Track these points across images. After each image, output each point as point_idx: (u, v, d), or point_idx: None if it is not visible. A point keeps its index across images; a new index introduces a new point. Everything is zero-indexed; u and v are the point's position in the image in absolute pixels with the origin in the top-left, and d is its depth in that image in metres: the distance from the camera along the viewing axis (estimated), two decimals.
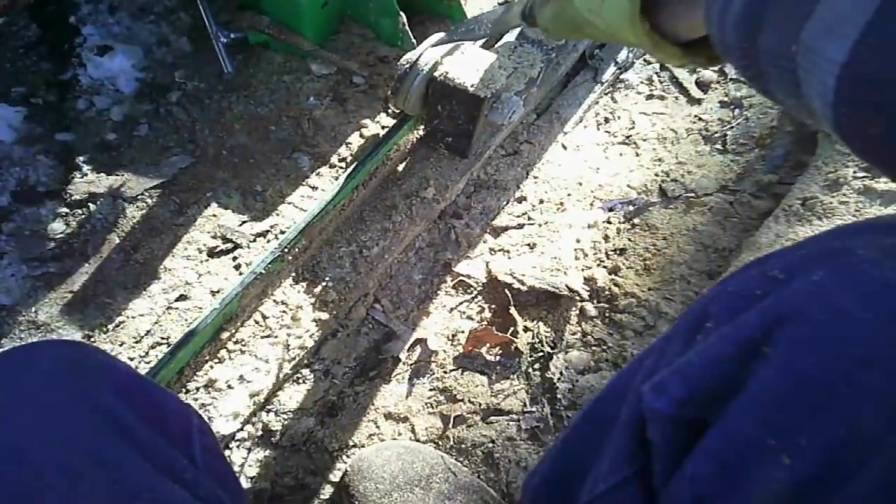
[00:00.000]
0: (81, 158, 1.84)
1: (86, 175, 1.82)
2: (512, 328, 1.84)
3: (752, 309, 0.67)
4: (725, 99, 2.25)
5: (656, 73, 2.31)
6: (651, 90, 2.28)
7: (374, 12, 2.06)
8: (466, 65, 1.74)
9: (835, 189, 1.90)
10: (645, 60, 2.34)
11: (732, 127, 2.21)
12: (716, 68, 2.36)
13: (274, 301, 1.75)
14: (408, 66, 1.73)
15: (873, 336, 0.57)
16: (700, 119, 2.23)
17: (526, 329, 1.85)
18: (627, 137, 2.20)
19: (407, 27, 2.02)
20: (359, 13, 2.11)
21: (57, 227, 1.75)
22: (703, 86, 2.30)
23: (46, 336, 1.62)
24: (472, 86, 1.71)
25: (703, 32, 0.87)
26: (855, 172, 1.88)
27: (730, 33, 0.71)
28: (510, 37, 1.90)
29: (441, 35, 1.79)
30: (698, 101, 2.27)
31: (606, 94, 2.27)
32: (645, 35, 0.93)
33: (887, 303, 0.58)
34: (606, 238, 2.00)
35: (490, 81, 1.73)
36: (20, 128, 1.85)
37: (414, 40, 2.03)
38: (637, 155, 2.16)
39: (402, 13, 2.00)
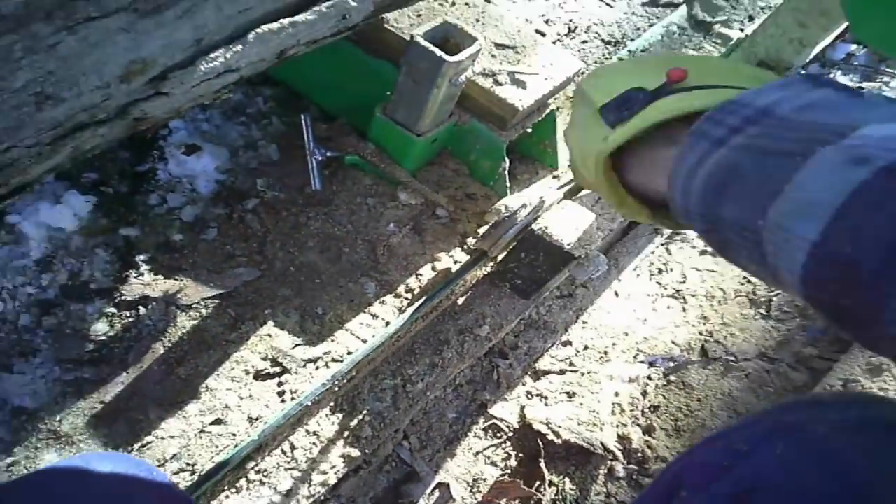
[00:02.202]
0: (142, 257, 1.42)
1: (142, 275, 1.40)
2: (538, 482, 1.43)
3: (722, 479, 0.62)
4: None
5: None
6: (705, 246, 1.85)
7: (478, 152, 1.69)
8: (566, 222, 1.49)
9: (877, 374, 1.60)
10: None
11: (779, 293, 1.84)
12: None
13: (306, 431, 1.35)
14: (507, 214, 1.49)
15: None
16: (749, 281, 1.88)
17: (551, 484, 1.49)
18: (677, 291, 1.80)
19: (507, 172, 1.66)
20: (460, 150, 1.73)
21: (100, 329, 1.34)
22: None
23: (65, 449, 1.21)
24: (568, 244, 1.46)
25: None
26: None
27: (694, 200, 0.64)
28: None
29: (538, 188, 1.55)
30: None
31: (663, 245, 1.83)
32: (608, 186, 0.79)
33: (844, 477, 0.54)
34: (644, 394, 1.63)
35: (586, 241, 1.48)
36: (85, 217, 1.43)
37: (508, 183, 1.68)
38: (684, 310, 1.78)
39: (507, 158, 1.65)
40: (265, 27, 1.10)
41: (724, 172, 0.60)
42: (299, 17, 1.15)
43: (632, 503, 0.82)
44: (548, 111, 1.72)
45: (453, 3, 1.69)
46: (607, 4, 2.28)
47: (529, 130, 1.70)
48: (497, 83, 1.58)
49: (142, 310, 1.37)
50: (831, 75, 2.37)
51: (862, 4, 0.82)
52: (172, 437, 1.27)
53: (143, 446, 1.25)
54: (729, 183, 0.60)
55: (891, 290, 0.48)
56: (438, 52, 1.37)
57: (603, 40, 2.22)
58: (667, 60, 0.80)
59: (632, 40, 2.19)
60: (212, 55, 1.05)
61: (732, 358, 1.71)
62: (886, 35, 0.83)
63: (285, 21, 1.13)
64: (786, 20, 1.56)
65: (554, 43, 2.13)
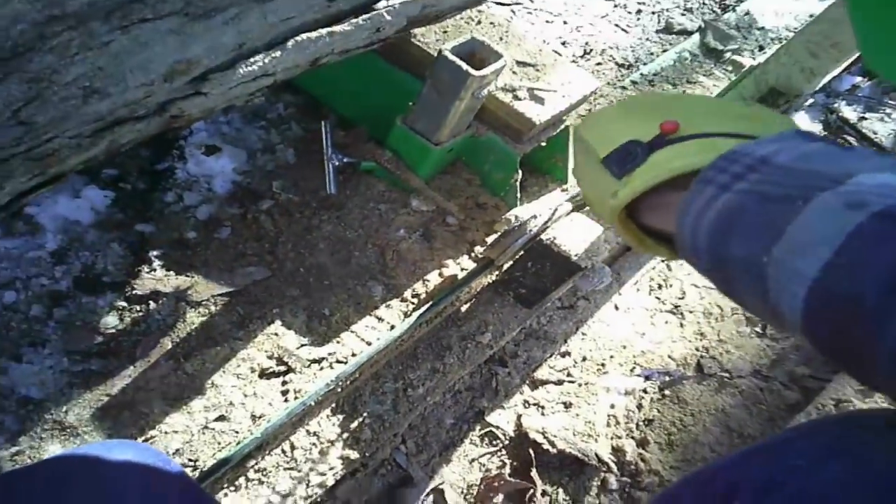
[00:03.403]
0: (155, 252, 1.36)
1: (154, 271, 1.34)
2: (531, 490, 1.37)
3: (777, 494, 0.57)
4: None
5: None
6: None
7: (491, 163, 1.63)
8: (574, 233, 1.44)
9: (868, 394, 1.55)
10: None
11: None
12: None
13: (307, 431, 1.28)
14: (517, 224, 1.43)
15: None
16: None
17: (544, 493, 1.41)
18: (676, 307, 1.72)
19: (518, 183, 1.60)
20: (474, 161, 1.67)
21: (110, 322, 1.27)
22: None
23: (69, 440, 1.14)
24: (575, 255, 1.41)
25: None
26: None
27: (702, 239, 0.63)
28: None
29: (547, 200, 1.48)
30: None
31: (664, 261, 1.75)
32: (626, 232, 0.78)
33: None
34: (640, 407, 1.56)
35: (593, 253, 1.42)
36: (102, 211, 1.37)
37: (519, 195, 1.62)
38: (682, 326, 1.70)
39: (519, 170, 1.59)
40: (304, 35, 1.10)
41: (731, 214, 0.61)
42: (337, 28, 1.14)
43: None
44: (562, 126, 1.66)
45: (479, 22, 1.64)
46: (623, 30, 2.20)
47: (544, 144, 1.64)
48: (516, 98, 1.53)
49: (152, 304, 1.30)
50: (836, 105, 2.28)
51: (874, 37, 0.79)
52: (176, 431, 1.21)
53: (146, 440, 1.19)
54: (735, 223, 0.60)
55: (886, 324, 0.48)
56: (465, 65, 1.33)
57: (617, 63, 2.14)
58: (656, 106, 0.80)
59: (644, 64, 2.11)
60: (251, 59, 1.05)
61: (727, 374, 1.64)
62: None
63: (323, 31, 1.12)
64: (798, 50, 1.50)
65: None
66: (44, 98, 0.83)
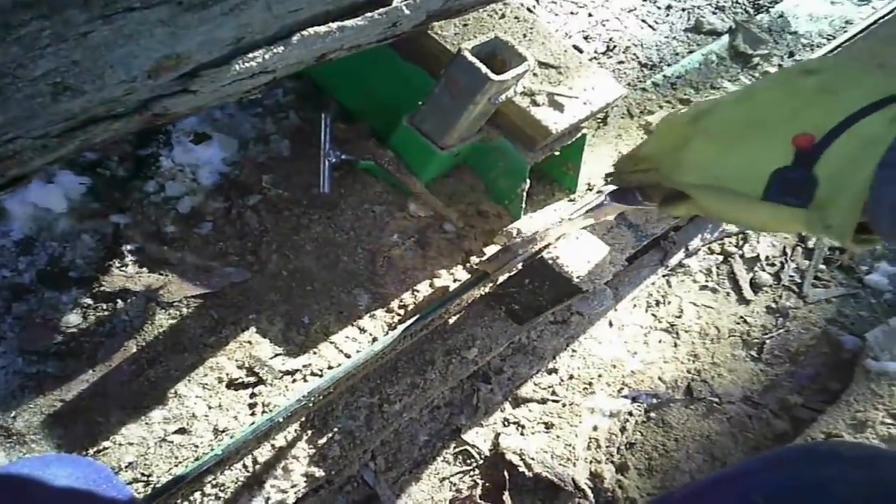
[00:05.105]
0: (129, 247, 1.19)
1: (126, 267, 1.17)
2: None
3: None
4: (773, 305, 1.64)
5: (717, 265, 1.61)
6: (707, 281, 1.61)
7: (499, 170, 1.42)
8: (578, 253, 1.27)
9: (860, 430, 1.39)
10: (709, 249, 1.62)
11: (772, 336, 1.58)
12: (772, 272, 1.68)
13: (272, 446, 1.13)
14: (519, 239, 1.22)
15: None
16: (745, 321, 1.60)
17: None
18: (672, 325, 1.55)
19: (525, 193, 1.40)
20: (481, 165, 1.46)
21: (72, 320, 1.11)
22: (756, 287, 1.64)
23: (15, 448, 0.99)
24: (577, 277, 1.25)
25: None
26: (883, 417, 1.39)
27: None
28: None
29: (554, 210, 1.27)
30: (747, 302, 1.63)
31: (664, 277, 1.56)
32: (859, 246, 0.66)
33: None
34: (623, 430, 1.41)
35: (597, 276, 1.27)
36: (76, 200, 1.19)
37: (524, 205, 1.42)
38: (675, 346, 1.54)
39: (528, 179, 1.39)
40: (312, 30, 0.94)
41: None
42: (349, 22, 0.98)
43: None
44: (579, 135, 1.44)
45: (502, 16, 1.42)
46: (650, 26, 1.95)
47: (557, 153, 1.42)
48: (535, 103, 1.32)
49: (119, 303, 1.14)
50: None
51: None
52: (131, 443, 1.06)
53: (98, 451, 1.04)
54: None
55: None
56: (484, 68, 1.13)
57: (640, 62, 1.91)
58: (751, 122, 0.69)
59: (668, 65, 1.87)
60: (250, 55, 0.89)
61: (716, 399, 1.46)
62: None
63: (334, 25, 0.96)
64: None
65: (590, 60, 1.81)
66: (4, 95, 0.70)
